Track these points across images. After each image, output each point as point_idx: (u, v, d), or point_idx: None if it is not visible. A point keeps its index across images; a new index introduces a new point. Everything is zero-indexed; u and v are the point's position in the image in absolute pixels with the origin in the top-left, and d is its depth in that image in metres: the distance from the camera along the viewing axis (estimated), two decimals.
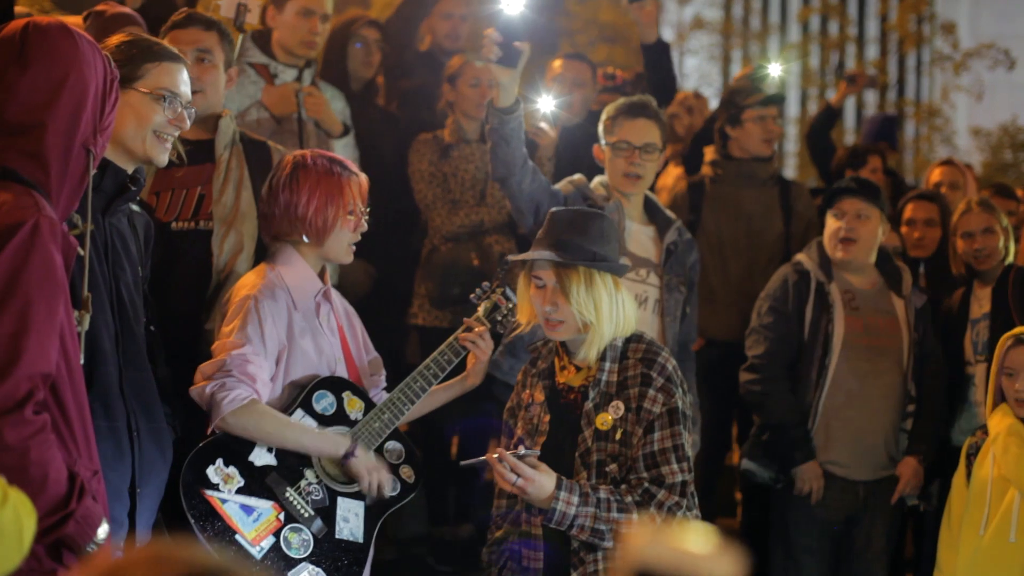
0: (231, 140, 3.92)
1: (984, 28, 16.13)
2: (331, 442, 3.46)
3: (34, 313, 2.52)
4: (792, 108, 16.59)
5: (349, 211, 3.55)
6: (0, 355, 2.49)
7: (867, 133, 7.86)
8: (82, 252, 2.72)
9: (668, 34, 14.13)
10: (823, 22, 16.93)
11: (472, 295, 3.84)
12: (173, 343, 3.47)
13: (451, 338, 3.73)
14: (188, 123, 3.21)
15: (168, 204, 3.81)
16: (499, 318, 3.80)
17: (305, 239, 3.54)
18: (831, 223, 4.85)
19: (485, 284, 3.85)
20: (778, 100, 5.71)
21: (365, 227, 3.61)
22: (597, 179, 4.63)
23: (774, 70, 5.78)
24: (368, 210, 3.63)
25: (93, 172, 2.72)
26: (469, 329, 3.73)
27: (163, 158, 3.18)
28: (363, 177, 3.64)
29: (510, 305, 3.75)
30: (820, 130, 7.03)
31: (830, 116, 7.15)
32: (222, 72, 3.98)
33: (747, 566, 4.82)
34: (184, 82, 3.23)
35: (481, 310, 3.79)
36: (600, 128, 4.62)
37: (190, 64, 3.74)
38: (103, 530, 2.65)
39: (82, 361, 2.70)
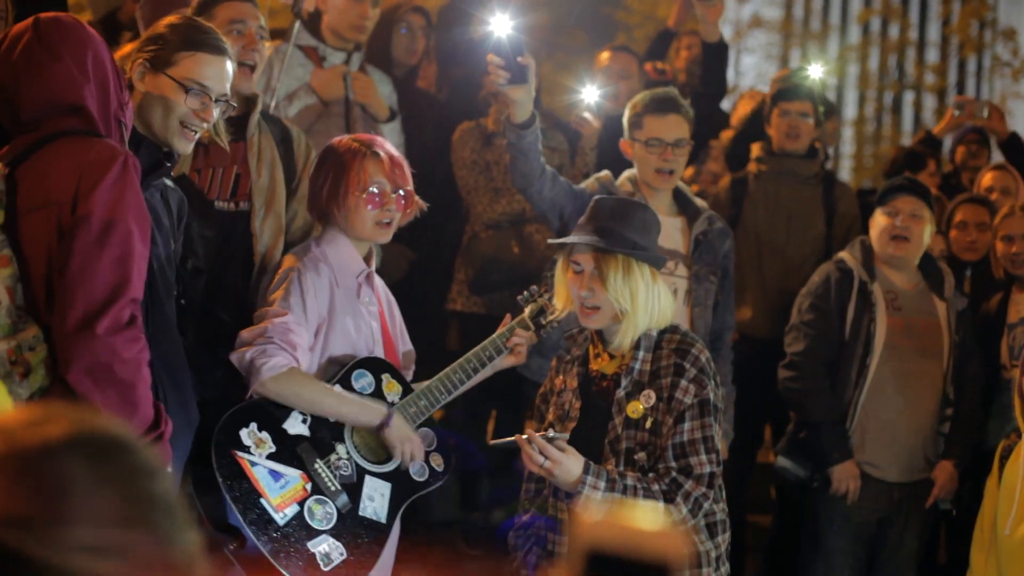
0: (259, 119, 3.94)
1: None
2: (368, 411, 3.50)
3: (135, 242, 2.76)
4: (849, 110, 16.45)
5: (363, 189, 3.56)
6: (112, 277, 2.73)
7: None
8: None
9: (727, 31, 14.06)
10: (883, 24, 16.77)
11: (520, 297, 3.84)
12: (225, 322, 3.52)
13: (495, 335, 3.74)
14: (214, 117, 3.25)
15: (209, 183, 3.84)
16: (544, 322, 3.80)
17: (336, 219, 3.60)
18: (883, 220, 4.81)
19: (533, 288, 3.85)
20: (801, 96, 5.63)
21: (395, 207, 3.61)
22: (625, 175, 4.62)
23: (814, 71, 5.74)
24: (407, 191, 3.65)
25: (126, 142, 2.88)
26: (513, 330, 3.75)
27: (185, 148, 3.25)
28: (391, 156, 3.63)
29: (559, 313, 3.75)
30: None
31: (930, 143, 6.80)
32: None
33: (779, 565, 4.78)
34: (218, 76, 3.24)
35: (527, 313, 3.80)
36: (625, 122, 4.62)
37: (242, 37, 3.78)
38: (168, 469, 2.84)
39: None
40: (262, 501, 3.31)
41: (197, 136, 3.26)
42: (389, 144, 3.71)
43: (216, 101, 3.23)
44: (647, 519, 1.27)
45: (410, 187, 3.65)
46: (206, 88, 3.21)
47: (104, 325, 2.73)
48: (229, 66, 3.29)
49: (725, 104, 7.28)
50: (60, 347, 2.75)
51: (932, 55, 16.10)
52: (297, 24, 4.71)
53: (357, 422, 3.51)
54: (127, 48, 3.37)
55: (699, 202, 4.73)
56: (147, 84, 3.21)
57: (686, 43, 6.64)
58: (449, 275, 5.49)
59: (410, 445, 3.53)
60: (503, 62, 3.89)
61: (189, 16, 3.41)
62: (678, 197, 4.68)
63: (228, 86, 3.28)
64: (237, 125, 3.86)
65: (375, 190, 3.57)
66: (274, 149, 3.90)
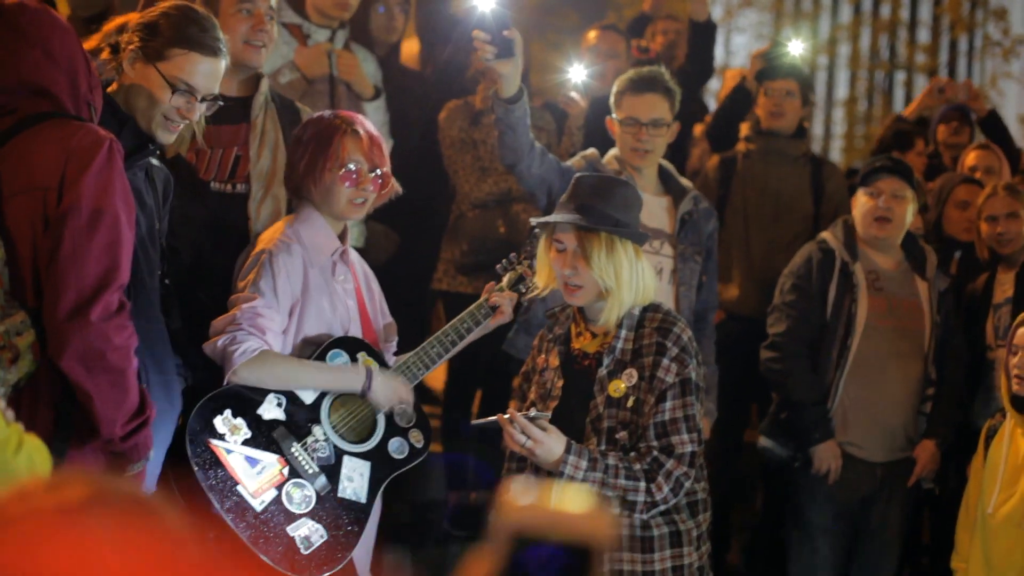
0: (265, 101, 3.92)
1: None
2: (347, 378, 3.49)
3: (122, 228, 2.79)
4: (840, 90, 16.44)
5: (340, 166, 3.55)
6: (103, 264, 2.75)
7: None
8: None
9: (716, 11, 14.03)
10: (875, 4, 16.74)
11: (498, 266, 3.85)
12: (214, 306, 3.52)
13: (472, 307, 3.75)
14: (197, 116, 3.25)
15: (207, 164, 3.81)
16: (523, 290, 3.80)
17: (311, 196, 3.59)
18: (866, 201, 4.81)
19: (512, 256, 3.85)
20: (784, 74, 5.61)
21: (371, 186, 3.60)
22: (611, 152, 4.62)
23: (795, 47, 5.71)
24: (383, 172, 3.63)
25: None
26: (489, 299, 3.74)
27: (167, 139, 3.25)
28: (370, 135, 3.62)
29: (538, 284, 3.75)
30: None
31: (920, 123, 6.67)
32: None
33: (765, 542, 4.79)
34: (208, 75, 3.23)
35: (505, 281, 3.80)
36: (611, 100, 4.61)
37: (250, 18, 3.76)
38: (151, 453, 2.87)
39: None
40: (238, 488, 3.30)
41: (180, 128, 3.25)
42: (369, 123, 3.68)
43: (201, 100, 3.23)
44: (575, 502, 1.26)
45: (387, 168, 3.63)
46: (193, 88, 3.20)
47: (96, 312, 2.75)
48: (222, 66, 3.28)
49: (714, 84, 7.28)
50: (52, 334, 2.77)
51: (923, 35, 16.09)
52: (281, 1, 4.70)
53: (338, 388, 3.50)
54: (118, 21, 3.33)
55: (684, 181, 4.73)
56: (136, 72, 3.20)
57: (661, 27, 6.62)
58: (435, 255, 5.49)
59: (397, 396, 3.54)
60: (489, 37, 3.88)
61: (188, 5, 3.36)
62: (663, 176, 4.67)
63: (217, 86, 3.27)
64: (242, 108, 3.85)
65: (352, 167, 3.56)
66: (278, 131, 3.88)
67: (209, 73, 3.23)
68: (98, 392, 2.78)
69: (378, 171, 3.60)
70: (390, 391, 3.52)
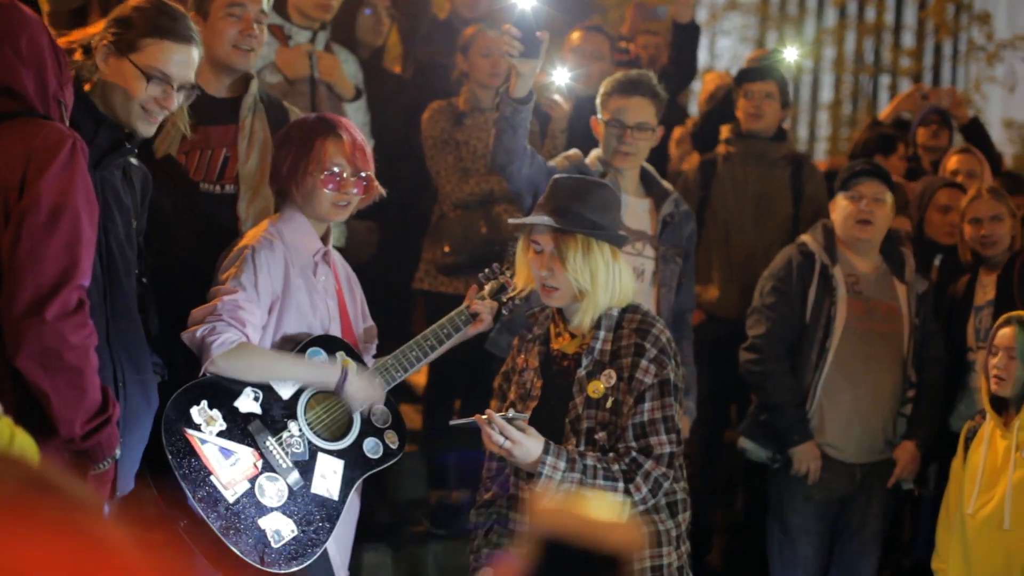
0: (254, 102, 3.92)
1: (1021, 19, 15.96)
2: (324, 372, 3.50)
3: (83, 226, 2.76)
4: (825, 93, 16.50)
5: (325, 169, 3.55)
6: (61, 262, 2.72)
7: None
8: None
9: (701, 14, 14.05)
10: (860, 7, 16.81)
11: (481, 274, 3.85)
12: (193, 306, 3.51)
13: (453, 313, 3.75)
14: (175, 105, 3.23)
15: (196, 165, 3.81)
16: (504, 300, 3.81)
17: (294, 197, 3.59)
18: (846, 205, 4.84)
19: (496, 265, 3.84)
20: (764, 76, 5.64)
21: (354, 190, 3.60)
22: (594, 153, 4.62)
23: (789, 54, 5.73)
24: (367, 175, 3.64)
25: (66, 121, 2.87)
26: (472, 307, 3.75)
27: (148, 131, 3.24)
28: (353, 139, 3.62)
29: (520, 291, 3.75)
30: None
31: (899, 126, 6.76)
32: None
33: (746, 542, 4.81)
34: (182, 63, 3.21)
35: (487, 290, 3.80)
36: (597, 101, 4.62)
37: (239, 21, 3.77)
38: (118, 451, 2.84)
39: None
40: (211, 479, 3.31)
41: (160, 119, 3.24)
42: (354, 126, 3.69)
43: (178, 89, 3.21)
44: (604, 509, 1.28)
45: (371, 171, 3.64)
46: (168, 76, 3.18)
47: (53, 310, 2.72)
48: (195, 54, 3.26)
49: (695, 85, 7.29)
50: (8, 332, 2.75)
51: (908, 39, 16.16)
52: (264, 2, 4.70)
53: (314, 382, 3.51)
54: (99, 26, 3.33)
55: (666, 184, 4.74)
56: (110, 67, 3.18)
57: (642, 43, 6.63)
58: (417, 255, 5.49)
59: (370, 396, 3.55)
60: (520, 34, 3.87)
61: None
62: (645, 178, 4.68)
63: (192, 74, 3.26)
64: (230, 108, 3.85)
65: (336, 170, 3.56)
66: (267, 132, 3.88)
67: (183, 61, 3.22)
68: (55, 391, 2.76)
69: (361, 174, 3.61)
70: (364, 390, 3.53)
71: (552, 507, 1.28)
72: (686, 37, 5.83)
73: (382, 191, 3.70)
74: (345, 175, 3.58)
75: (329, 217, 3.64)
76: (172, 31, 3.20)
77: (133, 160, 3.29)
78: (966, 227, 5.11)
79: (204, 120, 3.53)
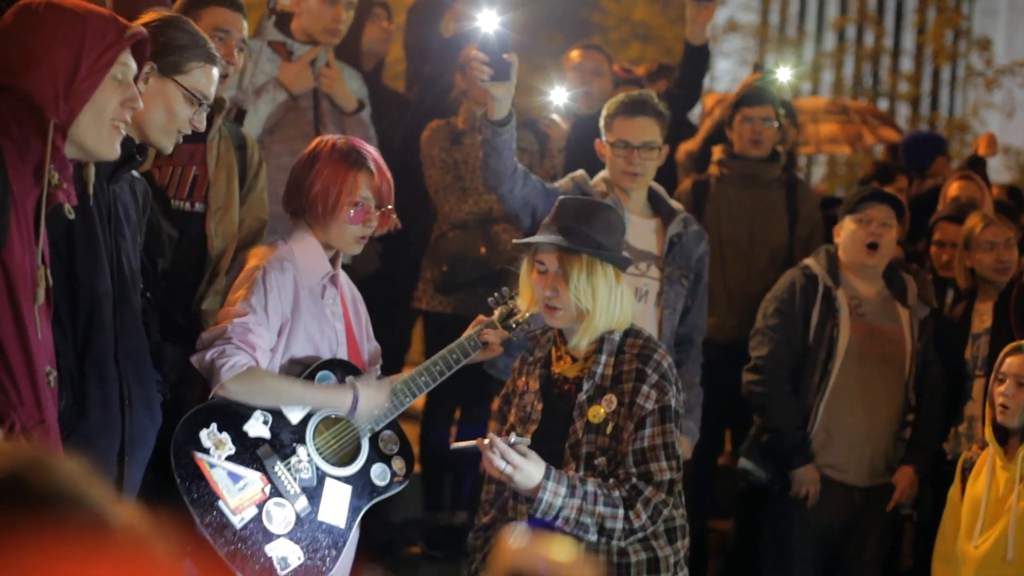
0: (222, 123, 3.92)
1: (1020, 46, 16.02)
2: (334, 396, 3.46)
3: None
4: None
5: (354, 202, 3.52)
6: None
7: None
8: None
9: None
10: (859, 32, 16.85)
11: (490, 299, 3.82)
12: (167, 321, 3.49)
13: (463, 338, 3.72)
14: (203, 126, 3.28)
15: (168, 180, 3.82)
16: (513, 325, 3.79)
17: (310, 221, 3.55)
18: (855, 229, 4.84)
19: (504, 290, 3.82)
20: (763, 100, 5.64)
21: (375, 223, 3.57)
22: (600, 175, 4.61)
23: (783, 75, 5.73)
24: (387, 209, 3.59)
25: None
26: (481, 332, 3.73)
27: (170, 148, 3.29)
28: (380, 171, 3.58)
29: (526, 314, 3.73)
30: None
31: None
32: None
33: (739, 567, 4.79)
34: (215, 83, 3.28)
35: (496, 315, 3.78)
36: (601, 123, 4.60)
37: (222, 45, 3.80)
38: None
39: (37, 304, 2.68)
40: (220, 503, 3.27)
41: (178, 139, 3.27)
42: (380, 158, 3.64)
43: (206, 110, 3.27)
44: (562, 551, 1.35)
45: (391, 205, 3.61)
46: (208, 99, 3.23)
47: None
48: (216, 73, 3.31)
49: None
50: None
51: (907, 64, 16.20)
52: (270, 19, 4.68)
53: (325, 407, 3.47)
54: None
55: (674, 203, 4.71)
56: (149, 86, 3.13)
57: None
58: (416, 274, 5.47)
59: (378, 404, 3.52)
60: (487, 58, 3.86)
61: (185, 19, 3.37)
62: (652, 198, 4.66)
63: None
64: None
65: (363, 205, 3.54)
66: (232, 154, 3.89)
67: (215, 80, 3.29)
68: None
69: (385, 208, 3.59)
70: (373, 398, 3.50)
71: (518, 546, 1.36)
72: (697, 59, 5.82)
73: (398, 224, 3.68)
74: (369, 208, 3.55)
75: (347, 249, 3.62)
76: (212, 56, 3.25)
77: (135, 173, 3.27)
78: (978, 253, 5.08)
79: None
